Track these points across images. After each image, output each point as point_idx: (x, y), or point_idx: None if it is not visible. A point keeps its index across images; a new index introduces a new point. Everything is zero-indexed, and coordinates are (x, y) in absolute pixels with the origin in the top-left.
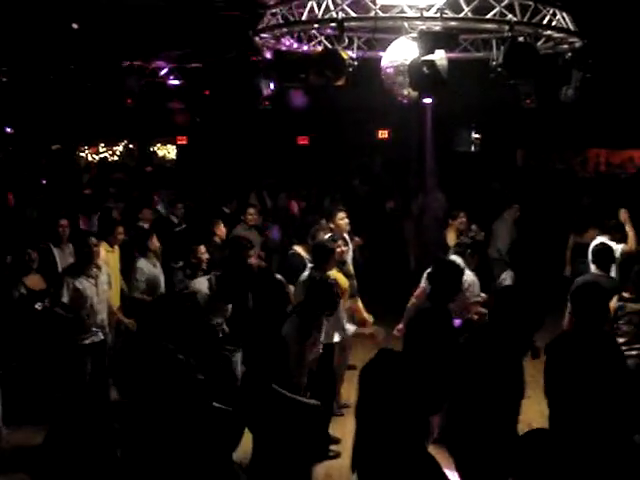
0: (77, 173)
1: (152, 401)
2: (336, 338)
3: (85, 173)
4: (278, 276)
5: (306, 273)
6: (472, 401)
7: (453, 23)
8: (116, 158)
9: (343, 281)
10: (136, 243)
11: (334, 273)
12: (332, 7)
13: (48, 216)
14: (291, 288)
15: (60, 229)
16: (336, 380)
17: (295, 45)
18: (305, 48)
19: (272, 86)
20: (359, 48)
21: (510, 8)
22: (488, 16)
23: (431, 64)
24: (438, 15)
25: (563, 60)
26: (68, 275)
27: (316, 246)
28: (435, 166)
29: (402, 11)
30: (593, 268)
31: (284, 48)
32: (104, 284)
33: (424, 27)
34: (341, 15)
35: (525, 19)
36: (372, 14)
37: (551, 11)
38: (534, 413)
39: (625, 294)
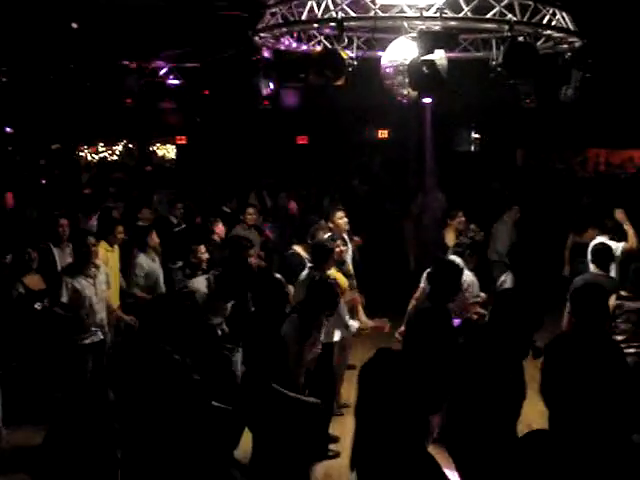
0: (77, 172)
1: (148, 401)
2: (336, 337)
3: (85, 173)
4: (277, 275)
5: (305, 272)
6: (472, 402)
7: (453, 23)
8: (115, 158)
9: (342, 281)
10: (136, 239)
11: (333, 273)
12: (332, 7)
13: (48, 216)
14: (290, 288)
15: (60, 229)
16: (336, 380)
17: (294, 45)
18: (305, 48)
19: (271, 86)
20: (359, 48)
21: (510, 8)
22: (488, 16)
23: (431, 64)
24: (438, 15)
25: (563, 60)
26: (67, 275)
27: (315, 246)
28: (435, 166)
29: (402, 11)
30: (592, 267)
31: (284, 48)
32: (102, 284)
33: (424, 27)
34: (341, 15)
35: (525, 19)
36: (372, 14)
37: (551, 11)
38: (534, 413)
39: (623, 292)
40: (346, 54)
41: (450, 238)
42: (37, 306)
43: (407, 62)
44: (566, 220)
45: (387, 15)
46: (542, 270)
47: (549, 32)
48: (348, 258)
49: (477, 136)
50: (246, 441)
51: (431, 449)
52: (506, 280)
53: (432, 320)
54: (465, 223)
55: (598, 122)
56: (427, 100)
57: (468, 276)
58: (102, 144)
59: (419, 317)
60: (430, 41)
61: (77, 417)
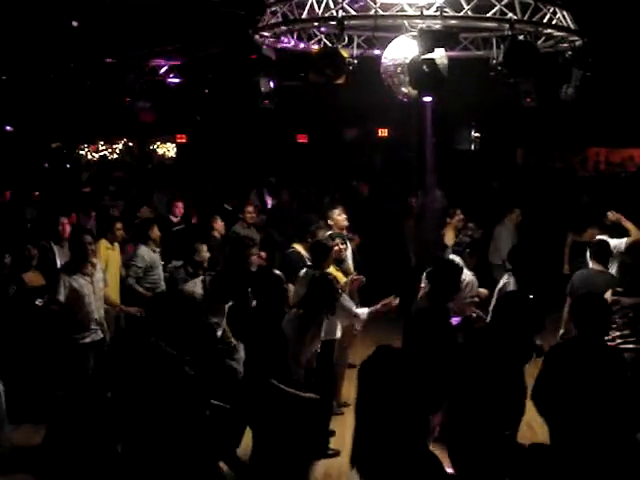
0: (77, 171)
1: (144, 395)
2: (338, 334)
3: (85, 171)
4: (277, 272)
5: (304, 271)
6: (472, 402)
7: (453, 21)
8: (116, 156)
9: (341, 279)
10: (137, 232)
11: (333, 271)
12: (332, 5)
13: (48, 214)
14: (290, 287)
15: (60, 227)
16: (336, 378)
17: (294, 43)
18: (305, 46)
19: (272, 84)
20: (359, 46)
21: (510, 7)
22: (488, 15)
23: (431, 62)
24: (438, 13)
25: (563, 59)
26: (64, 273)
27: (314, 244)
28: (435, 164)
29: (402, 9)
30: (591, 263)
31: (284, 46)
32: (100, 282)
33: (424, 25)
34: (341, 13)
35: (525, 17)
36: (372, 12)
37: (551, 9)
38: (534, 413)
39: (619, 289)
40: (346, 53)
41: (449, 237)
42: (38, 302)
43: (407, 61)
44: (566, 219)
45: (387, 14)
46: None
47: (549, 31)
48: (348, 257)
49: (477, 135)
50: (246, 440)
51: (432, 448)
52: (509, 282)
53: (431, 319)
54: (463, 221)
55: (598, 121)
56: (427, 99)
57: (467, 275)
58: (102, 142)
59: (418, 316)
60: (430, 40)
61: (78, 414)
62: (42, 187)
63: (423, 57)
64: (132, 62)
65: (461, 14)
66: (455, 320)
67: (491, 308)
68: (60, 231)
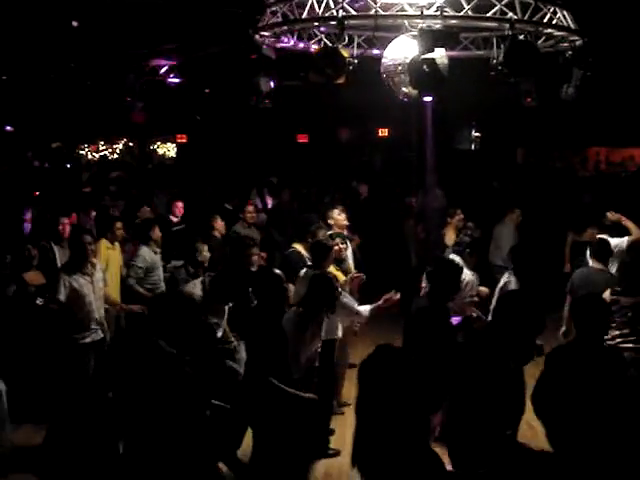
0: (77, 171)
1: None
2: (339, 334)
3: (85, 171)
4: (277, 271)
5: (304, 270)
6: (472, 401)
7: (453, 21)
8: (116, 156)
9: (341, 279)
10: (139, 232)
11: (333, 271)
12: (332, 5)
13: (47, 214)
14: (290, 286)
15: (60, 227)
16: (337, 377)
17: (294, 43)
18: (305, 46)
19: (272, 84)
20: (359, 46)
21: (511, 6)
22: (489, 14)
23: (431, 62)
24: (438, 13)
25: (564, 58)
26: (64, 273)
27: (314, 244)
28: (435, 164)
29: (402, 9)
30: (591, 262)
31: (284, 46)
32: (100, 281)
33: (424, 25)
34: (341, 13)
35: (526, 17)
36: (372, 12)
37: (552, 9)
38: (534, 413)
39: (618, 288)
40: (347, 52)
41: (450, 237)
42: (39, 301)
43: (408, 60)
44: (566, 219)
45: (388, 13)
46: (543, 270)
47: (550, 31)
48: (348, 256)
49: (477, 134)
50: (246, 440)
51: (432, 447)
52: (510, 281)
53: (431, 318)
54: (463, 221)
55: (599, 121)
56: (427, 98)
57: (467, 275)
58: (102, 142)
59: (418, 315)
60: (431, 39)
61: (79, 414)
62: (42, 187)
63: (423, 57)
64: (132, 62)
65: (461, 14)
66: (455, 320)
67: (492, 307)
68: (60, 231)
